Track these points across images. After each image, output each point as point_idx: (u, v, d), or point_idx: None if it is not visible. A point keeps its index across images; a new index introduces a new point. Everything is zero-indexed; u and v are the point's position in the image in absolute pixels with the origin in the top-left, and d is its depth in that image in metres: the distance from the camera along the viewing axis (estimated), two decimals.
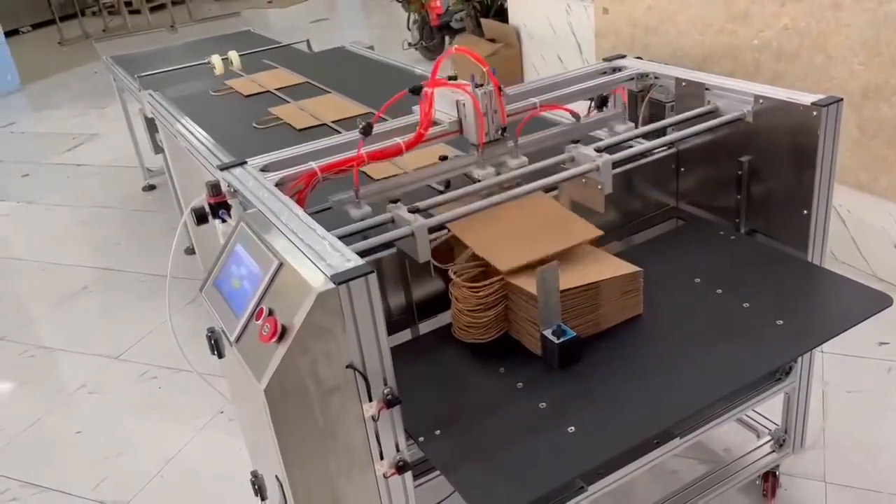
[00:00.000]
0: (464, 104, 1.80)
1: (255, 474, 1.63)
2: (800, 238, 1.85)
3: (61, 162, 5.99)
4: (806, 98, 1.75)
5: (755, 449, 2.19)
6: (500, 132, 1.82)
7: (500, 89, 1.78)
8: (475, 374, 1.63)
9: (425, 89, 1.83)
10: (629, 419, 1.46)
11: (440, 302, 1.78)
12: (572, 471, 1.41)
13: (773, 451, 2.18)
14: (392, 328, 1.74)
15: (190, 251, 3.69)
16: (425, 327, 1.82)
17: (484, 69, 1.77)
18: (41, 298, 3.95)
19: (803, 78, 3.15)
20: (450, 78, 1.84)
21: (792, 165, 1.81)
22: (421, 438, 1.46)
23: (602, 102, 2.09)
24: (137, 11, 11.48)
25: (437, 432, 1.47)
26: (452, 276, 1.65)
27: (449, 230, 1.69)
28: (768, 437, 2.20)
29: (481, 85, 1.78)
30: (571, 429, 1.44)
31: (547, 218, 1.77)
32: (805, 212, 1.82)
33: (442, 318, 1.79)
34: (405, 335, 1.81)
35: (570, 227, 1.75)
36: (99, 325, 3.65)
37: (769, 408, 2.15)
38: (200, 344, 1.48)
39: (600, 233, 1.73)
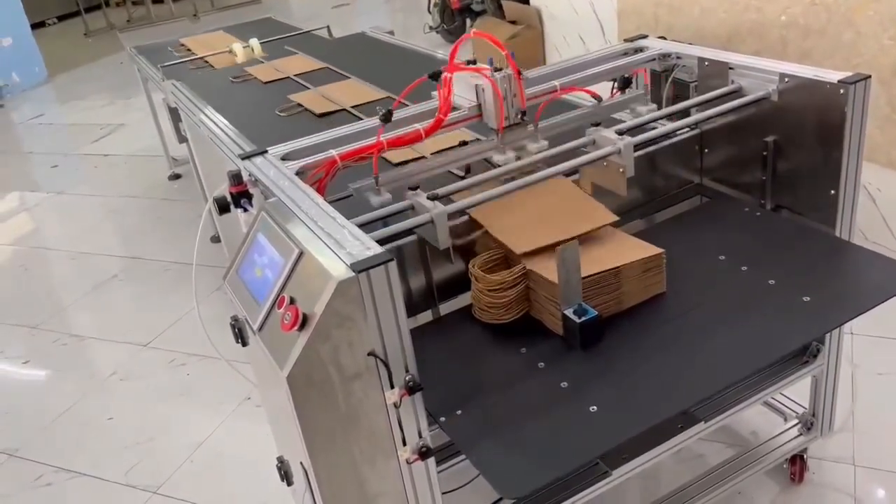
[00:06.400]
0: (483, 89, 1.79)
1: (280, 460, 1.65)
2: (827, 217, 1.82)
3: (89, 152, 6.07)
4: (832, 76, 1.71)
5: (783, 432, 2.16)
6: (519, 116, 1.81)
7: (519, 73, 1.77)
8: (496, 354, 1.63)
9: (444, 74, 1.82)
10: (652, 398, 1.45)
11: (461, 283, 1.78)
12: (595, 450, 1.41)
13: (801, 434, 2.15)
14: (413, 310, 1.75)
15: (215, 239, 3.72)
16: (446, 308, 1.81)
17: (503, 53, 1.75)
18: (72, 287, 4.02)
19: (832, 55, 3.08)
20: (468, 62, 1.83)
21: (819, 145, 1.78)
22: (442, 418, 1.46)
23: (625, 84, 2.05)
24: (161, 0, 11.53)
25: (459, 412, 1.48)
26: (472, 269, 1.65)
27: (469, 216, 1.68)
28: (796, 421, 2.18)
29: (500, 69, 1.77)
30: (593, 408, 1.44)
31: (566, 202, 1.76)
32: (832, 191, 1.78)
33: (462, 299, 1.79)
34: (426, 316, 1.81)
35: (589, 211, 1.74)
36: (128, 314, 3.71)
37: (797, 391, 2.12)
38: (227, 331, 1.50)
39: (616, 218, 1.73)
